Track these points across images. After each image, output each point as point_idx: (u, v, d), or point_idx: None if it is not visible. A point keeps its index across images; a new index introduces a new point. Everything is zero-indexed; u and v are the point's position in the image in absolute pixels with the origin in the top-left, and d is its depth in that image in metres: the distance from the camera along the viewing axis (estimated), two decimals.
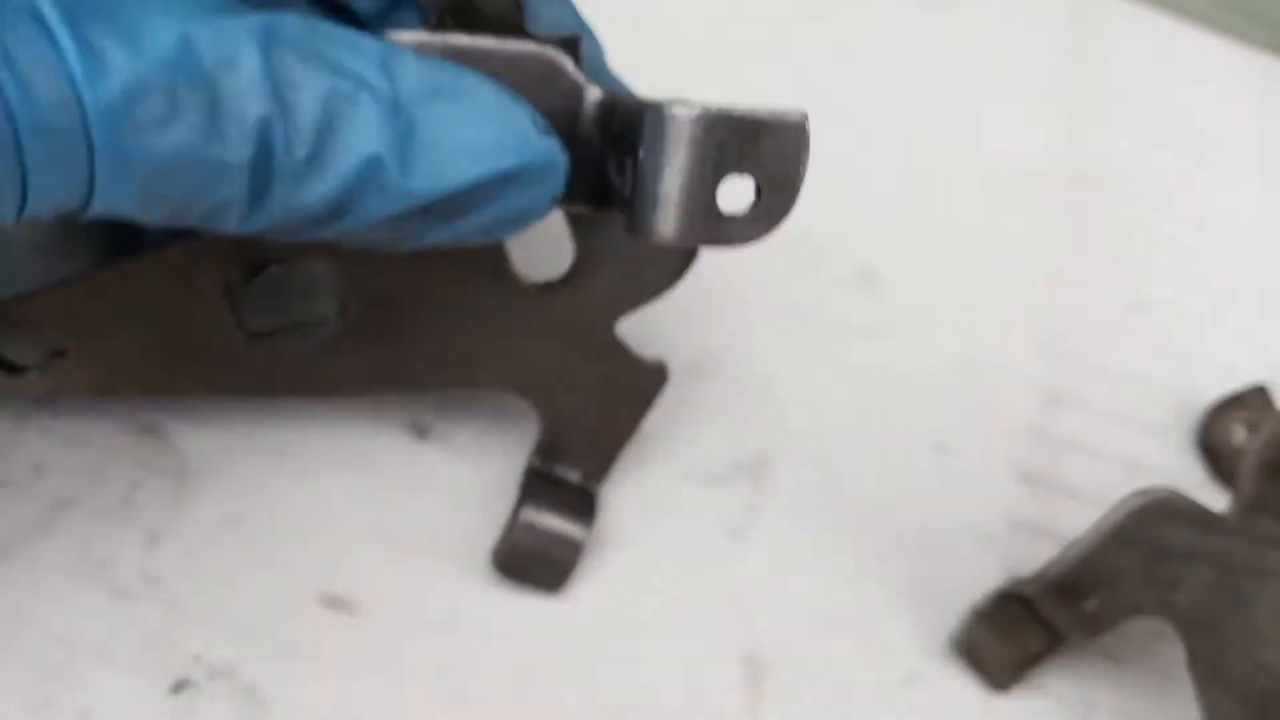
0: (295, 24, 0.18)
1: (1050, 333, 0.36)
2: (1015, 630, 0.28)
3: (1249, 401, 0.34)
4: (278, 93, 0.17)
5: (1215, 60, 0.44)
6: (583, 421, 0.28)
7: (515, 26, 0.21)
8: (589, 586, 0.29)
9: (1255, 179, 0.40)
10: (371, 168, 0.18)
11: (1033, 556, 0.29)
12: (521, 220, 0.20)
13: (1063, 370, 0.35)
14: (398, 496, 0.29)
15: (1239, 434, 0.33)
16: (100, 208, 0.17)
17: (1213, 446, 0.34)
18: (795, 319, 0.34)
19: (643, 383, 0.28)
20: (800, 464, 0.32)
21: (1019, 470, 0.33)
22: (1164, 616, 0.26)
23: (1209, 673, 0.26)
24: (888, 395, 0.33)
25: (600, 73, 0.25)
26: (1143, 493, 0.26)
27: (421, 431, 0.30)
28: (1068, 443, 0.33)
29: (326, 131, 0.18)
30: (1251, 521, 0.26)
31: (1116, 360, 0.35)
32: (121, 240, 0.24)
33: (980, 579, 0.30)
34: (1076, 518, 0.28)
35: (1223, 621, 0.26)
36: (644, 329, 0.33)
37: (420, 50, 0.20)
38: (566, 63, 0.21)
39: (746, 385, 0.33)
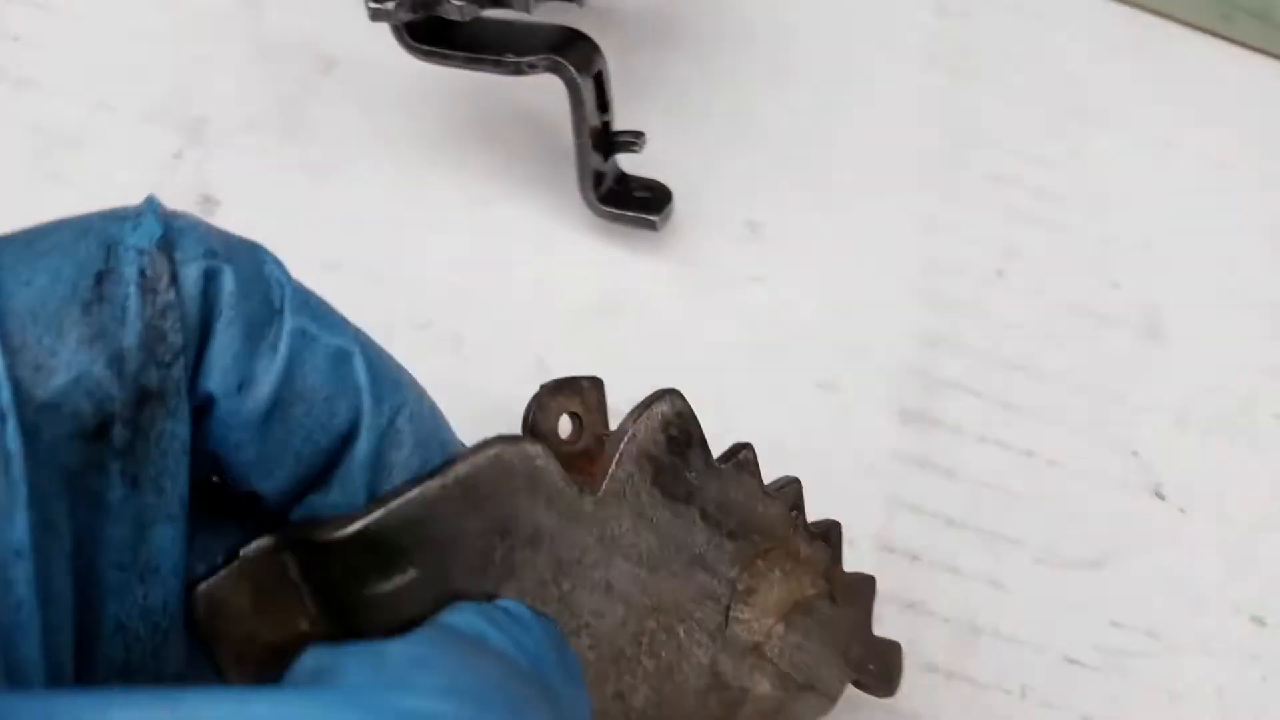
0: None
1: (925, 280, 0.38)
2: (271, 596, 0.18)
3: None
4: None
5: (1087, 15, 0.45)
6: None
7: None
8: None
9: (1126, 132, 0.42)
10: None
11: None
12: None
13: (942, 316, 0.37)
14: None
15: None
16: None
17: None
18: (690, 268, 0.36)
19: None
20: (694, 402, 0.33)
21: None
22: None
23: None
24: (774, 335, 0.36)
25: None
26: (505, 440, 0.19)
27: None
28: (947, 383, 0.36)
29: None
30: (611, 511, 0.21)
31: (989, 305, 0.38)
32: None
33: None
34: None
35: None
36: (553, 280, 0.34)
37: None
38: None
39: (648, 329, 0.35)
